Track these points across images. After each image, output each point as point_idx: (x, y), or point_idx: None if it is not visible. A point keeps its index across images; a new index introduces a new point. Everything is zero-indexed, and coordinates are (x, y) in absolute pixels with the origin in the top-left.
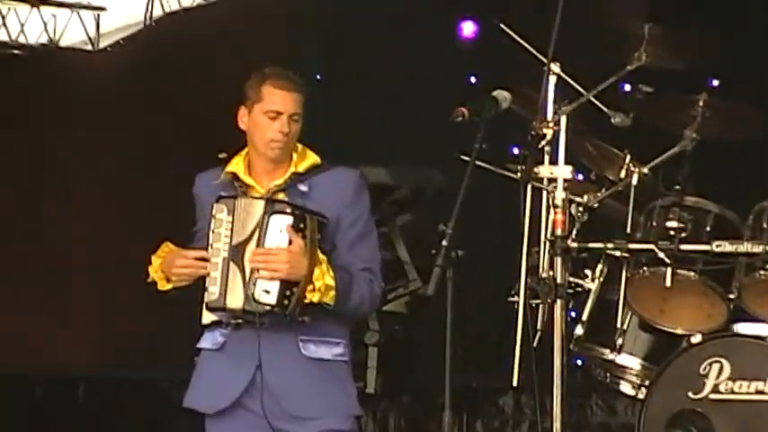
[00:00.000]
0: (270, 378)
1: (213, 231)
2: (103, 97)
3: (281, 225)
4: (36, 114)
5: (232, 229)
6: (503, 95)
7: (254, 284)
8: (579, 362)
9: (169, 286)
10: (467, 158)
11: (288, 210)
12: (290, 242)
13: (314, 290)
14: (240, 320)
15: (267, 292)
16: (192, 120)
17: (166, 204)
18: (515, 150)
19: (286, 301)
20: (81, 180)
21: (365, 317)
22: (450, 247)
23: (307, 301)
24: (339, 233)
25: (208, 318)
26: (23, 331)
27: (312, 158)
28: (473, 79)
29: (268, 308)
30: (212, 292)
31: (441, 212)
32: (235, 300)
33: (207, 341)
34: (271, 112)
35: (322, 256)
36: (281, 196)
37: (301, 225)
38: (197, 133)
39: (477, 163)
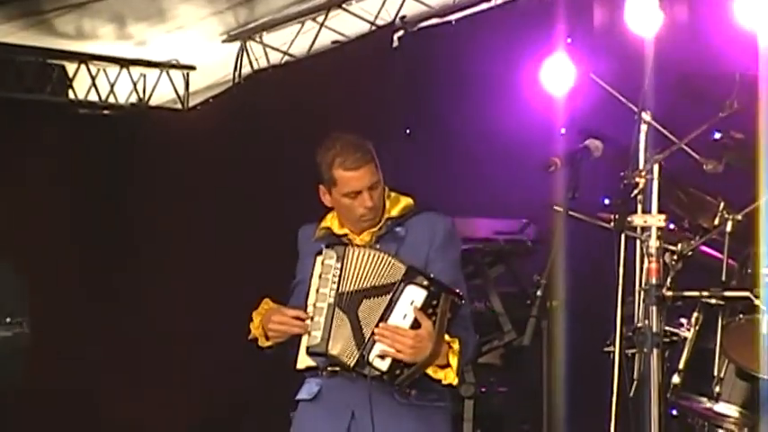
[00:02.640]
0: (365, 425)
1: (320, 277)
2: (193, 155)
3: (413, 297)
4: (126, 173)
5: (340, 277)
6: (594, 144)
7: (371, 347)
8: (675, 411)
9: (269, 343)
10: (560, 209)
11: (425, 283)
12: (417, 321)
13: (436, 370)
14: (337, 368)
15: (382, 358)
16: (283, 176)
17: (261, 261)
18: (606, 201)
19: (398, 372)
20: (173, 238)
21: None
22: (544, 298)
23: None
24: None
25: (303, 362)
26: (121, 394)
27: (405, 201)
28: (563, 130)
29: (378, 373)
30: (314, 336)
31: (535, 263)
32: (338, 347)
33: (303, 392)
34: (350, 194)
35: (451, 339)
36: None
37: (434, 302)
38: (289, 189)
39: (571, 213)
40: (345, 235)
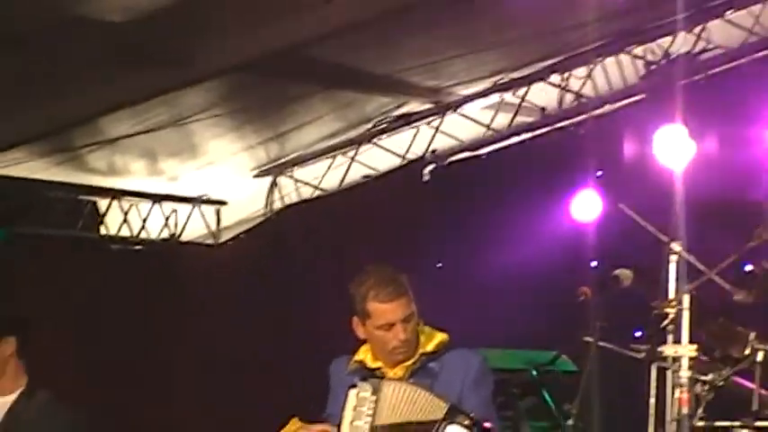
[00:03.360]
0: None
1: (355, 409)
2: (225, 290)
3: None
4: (158, 308)
5: (375, 410)
6: (625, 274)
7: None
8: None
9: None
10: (590, 339)
11: (467, 422)
12: None
13: None
14: None
15: None
16: (315, 309)
17: (292, 394)
18: (638, 333)
19: None
20: (205, 372)
21: None
22: (576, 428)
23: None
24: None
25: None
26: None
27: (440, 337)
28: (594, 263)
29: None
30: None
31: (566, 393)
32: None
33: None
34: (384, 326)
35: None
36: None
37: None
38: (320, 323)
39: (601, 343)
40: (379, 368)
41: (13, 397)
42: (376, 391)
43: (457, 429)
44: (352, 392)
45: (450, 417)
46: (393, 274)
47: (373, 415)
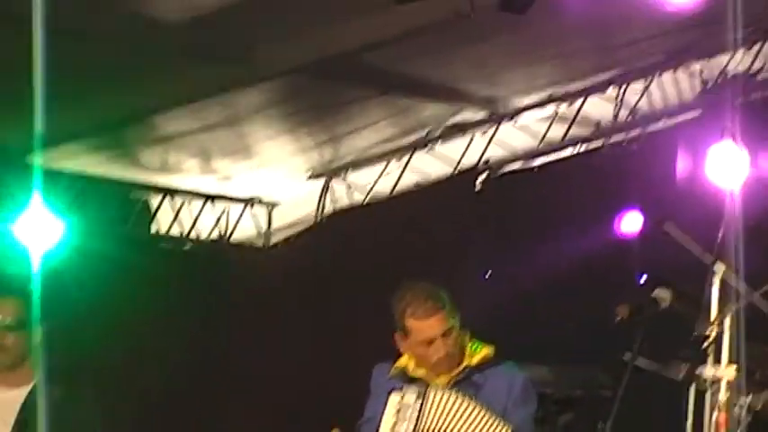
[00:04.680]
0: None
1: (398, 413)
2: (273, 292)
3: None
4: (206, 309)
5: (419, 415)
6: (663, 294)
7: None
8: None
9: None
10: (627, 359)
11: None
12: None
13: None
14: None
15: None
16: (361, 317)
17: (338, 398)
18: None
19: None
20: (251, 374)
21: None
22: None
23: None
24: None
25: None
26: None
27: (485, 351)
28: (643, 279)
29: None
30: None
31: (603, 411)
32: None
33: None
34: (423, 342)
35: None
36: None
37: None
38: (366, 330)
39: (638, 363)
40: (421, 378)
41: (27, 389)
42: (420, 397)
43: None
44: (395, 396)
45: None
46: (430, 289)
47: (417, 421)
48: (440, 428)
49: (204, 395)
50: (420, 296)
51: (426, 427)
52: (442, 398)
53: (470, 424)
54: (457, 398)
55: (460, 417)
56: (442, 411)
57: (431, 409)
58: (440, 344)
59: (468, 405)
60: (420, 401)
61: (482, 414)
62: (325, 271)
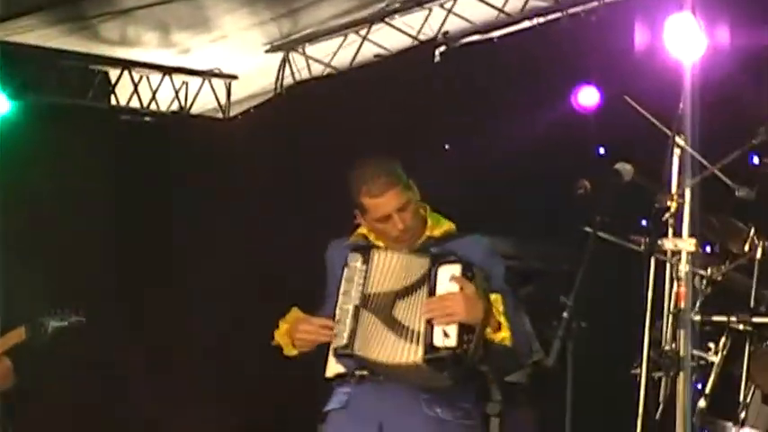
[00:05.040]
0: None
1: (345, 279)
2: (233, 164)
3: (450, 273)
4: (165, 179)
5: (365, 278)
6: (625, 168)
7: (431, 332)
8: None
9: (294, 352)
10: (590, 230)
11: (453, 258)
12: (461, 289)
13: (493, 330)
14: (365, 372)
15: (447, 335)
16: (319, 188)
17: (297, 272)
18: (644, 222)
19: (466, 340)
20: (210, 246)
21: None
22: (570, 319)
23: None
24: None
25: (332, 370)
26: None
27: (447, 225)
28: (602, 150)
29: (449, 351)
30: (340, 337)
31: (563, 284)
32: (378, 351)
33: (332, 402)
34: (381, 219)
35: (494, 296)
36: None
37: (469, 274)
38: (325, 201)
39: (600, 235)
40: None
41: None
42: (366, 261)
43: (447, 267)
44: (346, 263)
45: (436, 261)
46: (383, 164)
47: (364, 283)
48: (391, 289)
49: (161, 259)
50: (373, 173)
51: (375, 290)
52: (387, 259)
53: (419, 272)
54: (403, 256)
55: (408, 272)
56: (389, 271)
57: (377, 270)
58: (397, 219)
59: (412, 259)
60: (366, 266)
61: (423, 260)
62: (285, 142)
